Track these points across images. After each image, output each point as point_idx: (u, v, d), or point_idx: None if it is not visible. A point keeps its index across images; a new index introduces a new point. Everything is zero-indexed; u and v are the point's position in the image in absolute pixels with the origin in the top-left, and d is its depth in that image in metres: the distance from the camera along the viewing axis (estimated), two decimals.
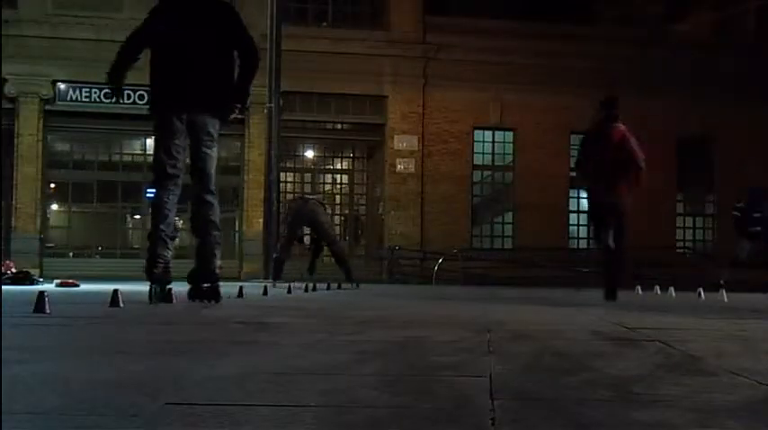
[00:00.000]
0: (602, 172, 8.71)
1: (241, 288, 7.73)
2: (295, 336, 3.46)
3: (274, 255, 14.30)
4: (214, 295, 6.06)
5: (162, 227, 5.96)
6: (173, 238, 6.13)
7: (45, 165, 19.13)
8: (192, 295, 6.10)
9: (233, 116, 6.25)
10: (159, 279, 5.96)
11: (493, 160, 21.09)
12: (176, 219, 6.28)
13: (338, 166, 21.81)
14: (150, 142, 20.39)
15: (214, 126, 6.05)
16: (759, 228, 14.92)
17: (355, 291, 11.51)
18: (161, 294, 5.90)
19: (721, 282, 13.07)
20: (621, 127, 9.06)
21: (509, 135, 20.92)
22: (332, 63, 19.05)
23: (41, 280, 13.11)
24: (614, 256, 8.98)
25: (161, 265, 5.96)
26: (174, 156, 5.97)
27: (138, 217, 21.07)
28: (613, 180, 8.76)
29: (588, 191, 9.20)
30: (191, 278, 6.15)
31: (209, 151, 6.04)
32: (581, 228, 21.49)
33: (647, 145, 9.39)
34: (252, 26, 19.80)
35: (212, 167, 6.08)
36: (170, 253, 6.06)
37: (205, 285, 6.08)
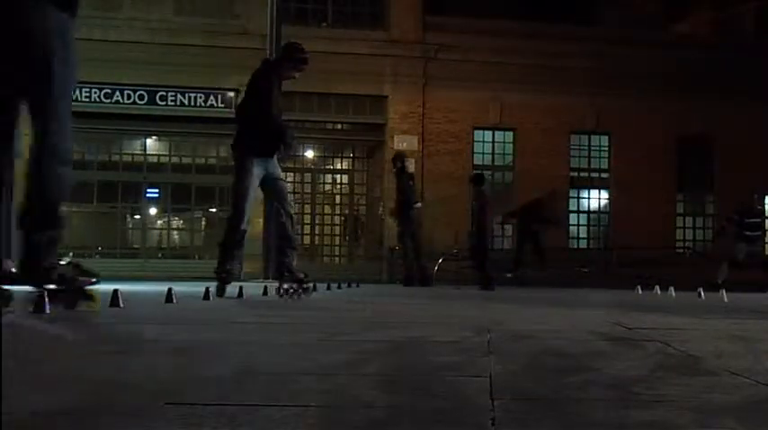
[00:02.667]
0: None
1: (241, 288, 7.73)
2: (295, 336, 3.46)
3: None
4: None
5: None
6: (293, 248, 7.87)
7: None
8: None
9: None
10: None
11: (493, 160, 21.10)
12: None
13: (338, 166, 21.82)
14: (150, 142, 20.50)
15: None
16: (756, 233, 16.01)
17: (356, 290, 11.50)
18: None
19: (719, 282, 13.70)
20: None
21: (509, 135, 20.94)
22: (332, 63, 19.04)
23: None
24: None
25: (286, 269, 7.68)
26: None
27: (137, 217, 21.09)
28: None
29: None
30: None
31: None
32: (581, 228, 21.52)
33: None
34: (252, 26, 19.78)
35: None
36: (292, 259, 7.75)
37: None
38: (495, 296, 9.51)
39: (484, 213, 13.95)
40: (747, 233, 15.71)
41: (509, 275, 15.74)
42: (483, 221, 13.92)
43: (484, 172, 20.94)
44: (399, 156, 14.96)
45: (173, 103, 19.41)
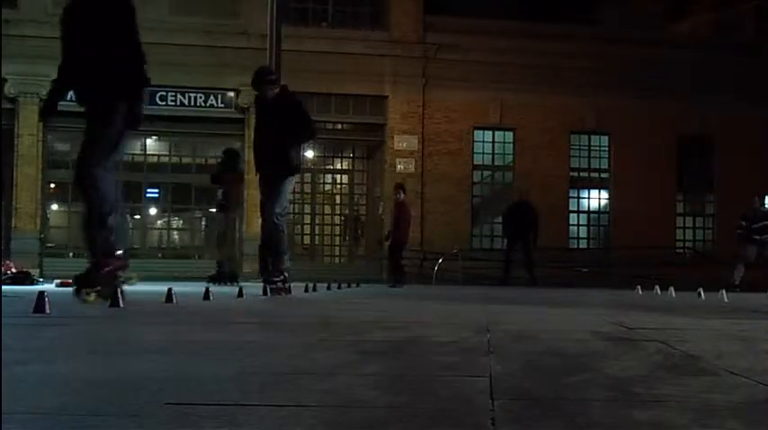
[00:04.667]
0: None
1: (241, 288, 7.74)
2: (295, 336, 3.46)
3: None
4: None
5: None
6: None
7: (45, 165, 19.12)
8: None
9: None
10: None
11: (493, 160, 21.09)
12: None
13: (338, 166, 21.81)
14: (150, 142, 20.49)
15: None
16: (764, 236, 16.14)
17: (356, 290, 11.50)
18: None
19: (736, 282, 13.96)
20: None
21: (509, 135, 20.93)
22: (332, 63, 19.05)
23: (41, 280, 13.11)
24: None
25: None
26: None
27: (137, 217, 21.07)
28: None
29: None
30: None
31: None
32: (581, 228, 21.51)
33: None
34: (252, 26, 19.76)
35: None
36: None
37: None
38: (496, 296, 9.51)
39: (403, 218, 15.55)
40: (756, 237, 15.98)
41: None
42: (401, 224, 15.47)
43: (483, 171, 21.12)
44: (232, 154, 15.09)
45: (173, 103, 19.39)
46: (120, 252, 5.72)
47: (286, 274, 8.41)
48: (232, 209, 14.45)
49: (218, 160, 15.59)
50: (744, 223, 16.08)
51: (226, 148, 15.60)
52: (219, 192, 14.60)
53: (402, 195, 15.78)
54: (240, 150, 16.04)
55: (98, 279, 5.57)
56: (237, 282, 12.63)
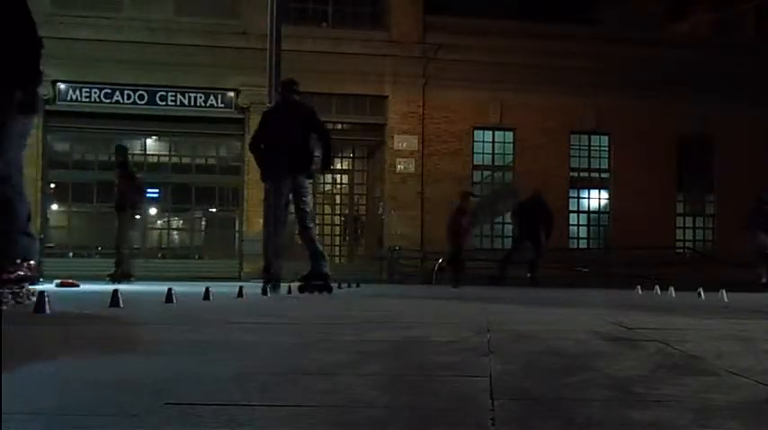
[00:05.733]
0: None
1: (241, 288, 7.74)
2: (295, 336, 3.46)
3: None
4: (327, 288, 9.04)
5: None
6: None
7: (45, 165, 19.12)
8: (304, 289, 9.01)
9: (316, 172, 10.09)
10: (274, 278, 8.89)
11: (493, 160, 21.10)
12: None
13: (338, 166, 21.81)
14: (150, 142, 20.50)
15: (305, 181, 9.19)
16: None
17: (356, 290, 11.49)
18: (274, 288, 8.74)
19: (764, 280, 13.79)
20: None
21: (509, 135, 20.94)
22: (332, 63, 19.06)
23: (41, 280, 13.09)
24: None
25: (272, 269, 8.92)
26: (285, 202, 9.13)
27: (138, 217, 21.05)
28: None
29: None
30: (304, 278, 9.17)
31: (305, 197, 9.14)
32: (581, 227, 21.51)
33: None
34: (252, 26, 19.78)
35: (308, 206, 9.19)
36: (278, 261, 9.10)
37: (316, 282, 9.03)
38: (495, 296, 9.51)
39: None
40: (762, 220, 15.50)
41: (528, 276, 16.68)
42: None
43: (483, 171, 21.13)
44: (120, 150, 14.38)
45: (173, 103, 19.41)
46: (32, 262, 5.41)
47: (272, 273, 8.96)
48: (125, 208, 14.28)
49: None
50: (756, 203, 15.56)
51: (117, 144, 15.05)
52: (116, 191, 14.40)
53: (461, 203, 16.36)
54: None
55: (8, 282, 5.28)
56: (130, 281, 12.93)
